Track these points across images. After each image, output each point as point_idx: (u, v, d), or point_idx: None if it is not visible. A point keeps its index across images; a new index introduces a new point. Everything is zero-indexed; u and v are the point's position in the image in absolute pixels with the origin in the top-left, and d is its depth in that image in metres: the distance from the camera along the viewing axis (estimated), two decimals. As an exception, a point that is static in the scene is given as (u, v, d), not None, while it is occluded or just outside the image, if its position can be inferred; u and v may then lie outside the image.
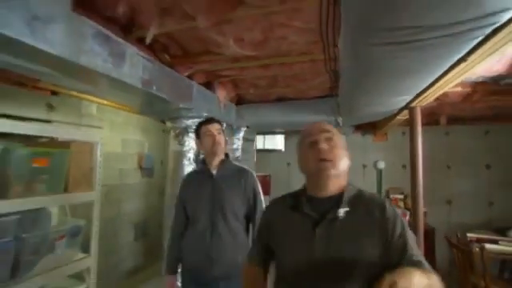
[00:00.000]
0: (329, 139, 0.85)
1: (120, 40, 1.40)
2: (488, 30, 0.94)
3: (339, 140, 0.87)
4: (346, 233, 0.78)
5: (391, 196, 3.63)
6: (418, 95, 1.84)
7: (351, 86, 1.70)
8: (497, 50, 1.11)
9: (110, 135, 2.72)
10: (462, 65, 1.26)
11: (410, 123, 2.22)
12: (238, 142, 3.04)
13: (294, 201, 0.90)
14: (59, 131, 1.84)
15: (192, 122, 2.22)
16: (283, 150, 4.19)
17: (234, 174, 1.53)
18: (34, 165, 1.54)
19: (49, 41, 1.04)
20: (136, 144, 3.13)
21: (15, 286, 1.39)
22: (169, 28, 1.48)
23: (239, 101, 2.97)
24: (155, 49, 1.75)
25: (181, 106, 1.97)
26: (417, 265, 0.70)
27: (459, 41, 0.99)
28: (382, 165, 3.80)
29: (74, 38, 1.13)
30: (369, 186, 3.71)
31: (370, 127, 3.64)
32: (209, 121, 1.56)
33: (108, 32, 1.33)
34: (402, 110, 2.32)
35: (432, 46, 1.04)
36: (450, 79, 1.52)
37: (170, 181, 2.38)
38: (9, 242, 1.38)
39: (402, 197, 3.58)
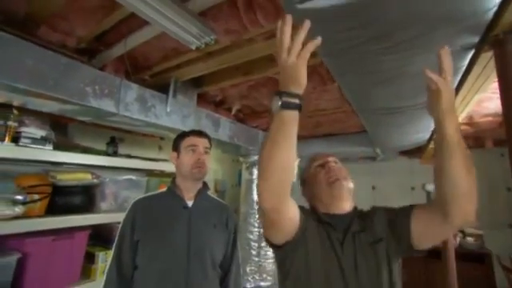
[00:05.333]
0: (336, 162, 0.95)
1: (217, 115, 2.32)
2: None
3: (343, 166, 0.95)
4: (365, 244, 0.82)
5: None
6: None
7: (372, 127, 2.29)
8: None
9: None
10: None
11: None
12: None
13: (318, 216, 0.89)
14: (167, 165, 2.47)
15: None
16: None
17: (215, 209, 1.23)
18: (159, 189, 2.50)
19: (186, 126, 1.98)
20: (213, 172, 4.11)
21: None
22: (244, 103, 2.36)
23: (293, 136, 3.72)
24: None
25: (251, 148, 2.82)
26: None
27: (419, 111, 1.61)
28: (430, 187, 4.00)
29: (197, 121, 2.08)
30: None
31: (416, 150, 3.93)
32: (197, 133, 1.23)
33: (210, 111, 2.26)
34: (430, 139, 2.75)
35: (401, 113, 1.66)
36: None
37: (243, 201, 3.21)
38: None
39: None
